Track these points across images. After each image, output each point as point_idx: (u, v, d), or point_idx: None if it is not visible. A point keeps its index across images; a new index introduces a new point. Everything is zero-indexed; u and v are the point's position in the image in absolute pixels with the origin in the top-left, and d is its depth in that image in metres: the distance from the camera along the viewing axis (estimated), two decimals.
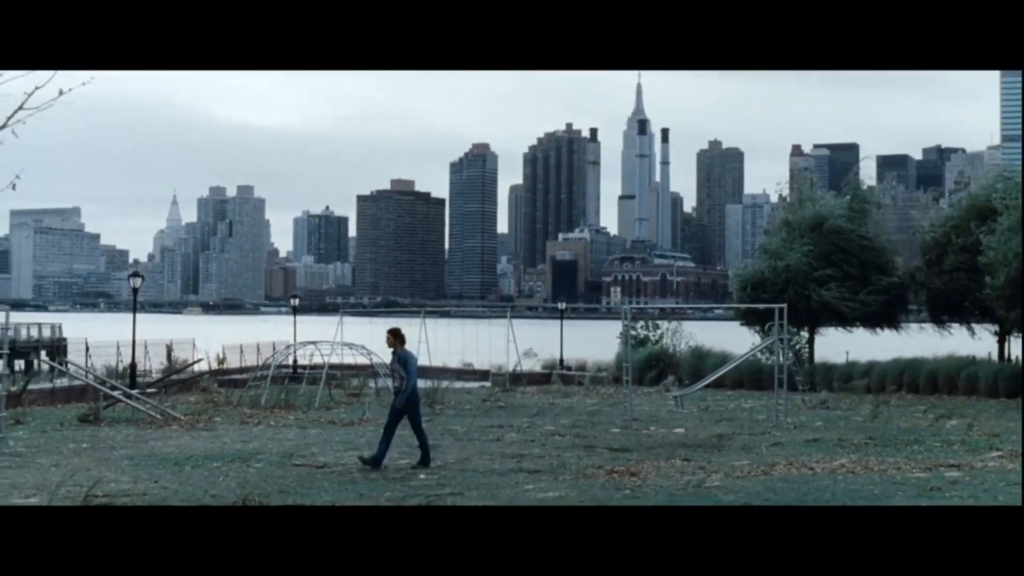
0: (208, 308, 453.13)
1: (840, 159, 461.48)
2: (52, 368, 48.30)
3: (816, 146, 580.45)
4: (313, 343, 43.74)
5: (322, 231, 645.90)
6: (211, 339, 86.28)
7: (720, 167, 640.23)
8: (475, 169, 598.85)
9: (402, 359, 20.78)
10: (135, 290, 45.59)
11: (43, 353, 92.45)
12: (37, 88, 10.13)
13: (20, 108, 10.10)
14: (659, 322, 61.12)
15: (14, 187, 10.07)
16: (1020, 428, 25.86)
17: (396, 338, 20.97)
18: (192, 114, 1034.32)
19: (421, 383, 42.05)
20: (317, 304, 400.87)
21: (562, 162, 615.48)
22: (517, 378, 55.10)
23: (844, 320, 47.94)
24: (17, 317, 59.91)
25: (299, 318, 76.20)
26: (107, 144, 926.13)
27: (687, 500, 16.02)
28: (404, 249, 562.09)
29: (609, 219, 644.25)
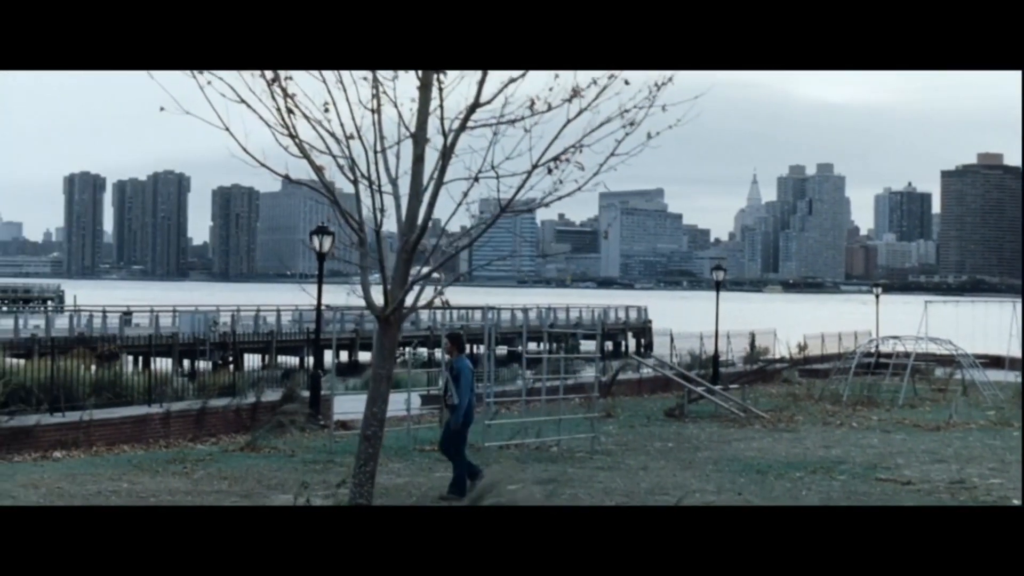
0: (788, 287, 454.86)
1: None
2: (638, 355, 50.21)
3: None
4: (896, 337, 42.70)
5: (904, 208, 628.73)
6: (791, 321, 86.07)
7: None
8: None
9: (456, 371, 17.94)
10: (718, 283, 46.42)
11: (629, 335, 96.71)
12: (627, 135, 10.49)
13: (611, 155, 10.51)
14: None
15: (606, 236, 10.48)
16: None
17: (454, 344, 18.70)
18: (772, 93, 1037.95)
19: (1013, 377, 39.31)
20: (899, 283, 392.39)
21: None
22: None
23: None
24: (605, 296, 62.56)
25: (880, 298, 74.60)
26: (689, 126, 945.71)
27: None
28: (992, 226, 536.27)
29: None
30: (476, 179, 10.79)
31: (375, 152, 10.92)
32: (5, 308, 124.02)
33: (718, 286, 45.44)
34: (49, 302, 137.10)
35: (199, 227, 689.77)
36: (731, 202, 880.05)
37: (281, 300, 79.50)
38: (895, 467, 22.01)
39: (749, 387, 38.75)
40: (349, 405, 27.40)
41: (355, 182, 11.18)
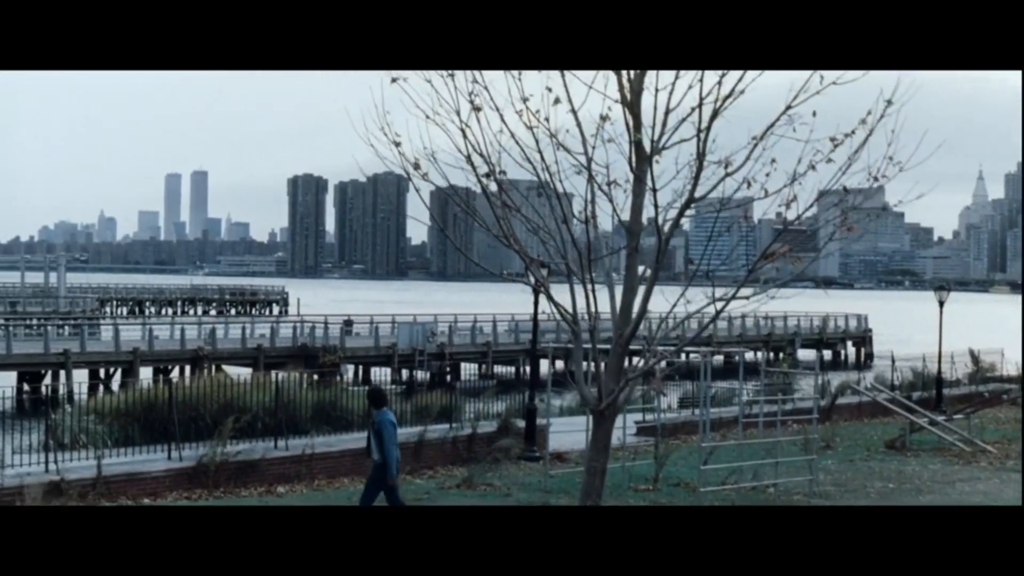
0: (1015, 287, 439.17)
1: None
2: (858, 367, 48.79)
3: None
4: None
5: None
6: (1016, 324, 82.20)
7: None
8: None
9: (377, 427, 17.45)
10: (941, 304, 44.71)
11: (849, 344, 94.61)
12: (842, 223, 10.27)
13: (829, 240, 10.34)
14: None
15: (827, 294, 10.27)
16: None
17: (372, 401, 18.20)
18: (1002, 87, 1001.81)
19: None
20: None
21: None
22: None
23: None
24: (824, 299, 60.39)
25: None
26: (911, 121, 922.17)
27: None
28: None
29: None
30: (692, 276, 10.76)
31: (588, 260, 10.99)
32: (234, 312, 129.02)
33: (941, 307, 43.82)
34: (274, 304, 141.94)
35: (417, 227, 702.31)
36: (956, 199, 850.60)
37: (498, 300, 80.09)
38: None
39: (974, 410, 37.18)
40: (566, 437, 27.47)
41: (569, 277, 11.26)
